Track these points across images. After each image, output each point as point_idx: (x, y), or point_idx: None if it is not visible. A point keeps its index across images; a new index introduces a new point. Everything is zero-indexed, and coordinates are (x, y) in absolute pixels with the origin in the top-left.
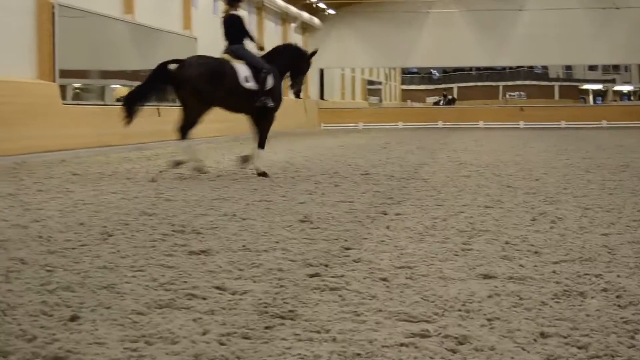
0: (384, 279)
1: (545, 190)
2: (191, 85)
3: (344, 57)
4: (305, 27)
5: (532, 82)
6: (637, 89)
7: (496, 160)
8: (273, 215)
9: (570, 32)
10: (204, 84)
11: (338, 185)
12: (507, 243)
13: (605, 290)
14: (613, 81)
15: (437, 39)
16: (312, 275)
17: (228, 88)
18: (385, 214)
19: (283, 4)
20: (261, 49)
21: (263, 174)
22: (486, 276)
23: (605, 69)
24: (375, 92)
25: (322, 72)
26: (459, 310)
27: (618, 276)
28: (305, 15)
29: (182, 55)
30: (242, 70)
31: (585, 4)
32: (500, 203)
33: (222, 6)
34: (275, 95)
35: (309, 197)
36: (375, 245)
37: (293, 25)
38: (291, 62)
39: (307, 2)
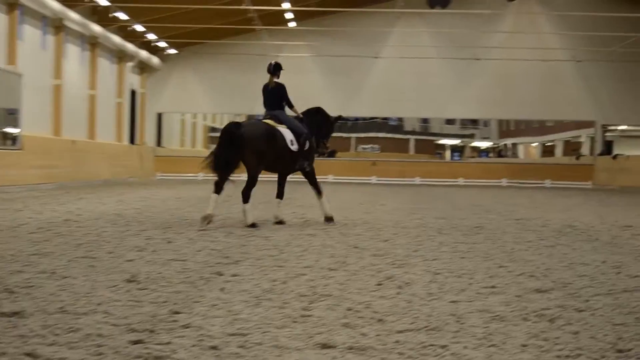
0: (214, 347)
1: (394, 253)
2: (252, 146)
3: (185, 100)
4: (143, 67)
5: (386, 134)
6: (496, 145)
7: (344, 219)
8: (97, 273)
9: (427, 83)
10: (263, 145)
11: (171, 241)
12: (349, 309)
13: None
14: (471, 136)
15: (287, 85)
16: (134, 342)
17: (279, 150)
18: (221, 275)
19: (119, 41)
20: (299, 116)
21: (331, 219)
22: (325, 346)
23: (464, 123)
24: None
25: (160, 116)
26: None
27: (465, 347)
28: (144, 54)
29: (4, 93)
30: (287, 134)
31: (444, 54)
32: (345, 265)
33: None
34: (312, 155)
35: (138, 255)
36: (207, 310)
37: (130, 64)
38: (320, 125)
39: (146, 40)
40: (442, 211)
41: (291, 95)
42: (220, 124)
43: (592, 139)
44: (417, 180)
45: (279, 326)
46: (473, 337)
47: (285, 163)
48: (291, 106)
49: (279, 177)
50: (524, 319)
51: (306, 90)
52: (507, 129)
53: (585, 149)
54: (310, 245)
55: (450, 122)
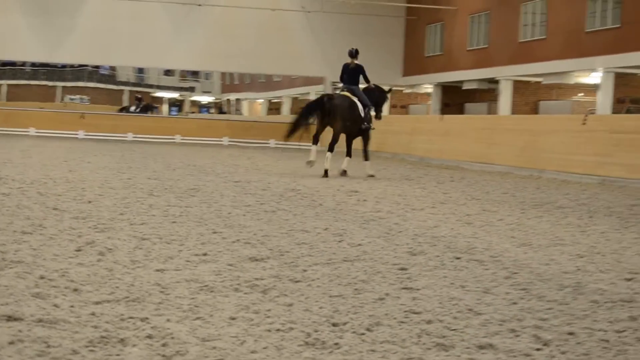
0: None
1: (98, 215)
2: (340, 114)
3: None
4: None
5: (97, 84)
6: (219, 100)
7: (45, 177)
8: None
9: (144, 29)
10: (348, 114)
11: None
12: (42, 278)
13: (150, 337)
14: (192, 89)
15: None
16: None
17: (356, 117)
18: None
19: None
20: (370, 89)
21: (372, 176)
22: (10, 318)
23: (183, 75)
24: None
25: None
26: None
27: (168, 320)
28: None
29: None
30: (358, 104)
31: None
32: (41, 229)
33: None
34: (370, 119)
35: None
36: None
37: None
38: (377, 97)
39: None
40: (155, 171)
41: None
42: None
43: None
44: (130, 136)
45: None
46: (178, 309)
47: (356, 126)
48: (368, 81)
49: (347, 138)
50: (235, 290)
51: (6, 32)
52: (231, 83)
53: None
54: (3, 206)
55: (168, 73)
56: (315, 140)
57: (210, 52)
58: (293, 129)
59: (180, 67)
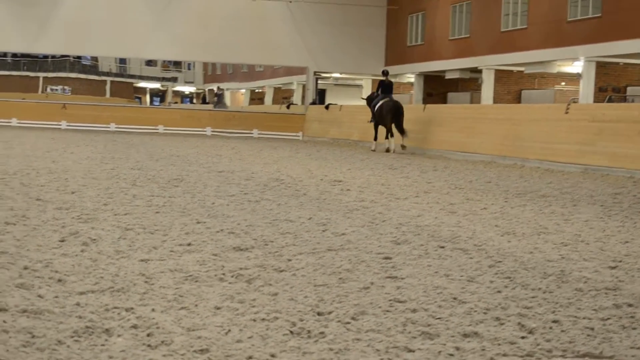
0: None
1: (82, 206)
2: (400, 113)
3: None
4: None
5: (78, 75)
6: (201, 91)
7: (27, 167)
8: None
9: (125, 20)
10: (403, 113)
11: None
12: (26, 268)
13: (135, 327)
14: (174, 80)
15: None
16: None
17: (401, 114)
18: None
19: None
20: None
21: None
22: None
23: (165, 65)
24: None
25: None
26: None
27: (153, 310)
28: None
29: None
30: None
31: None
32: (25, 219)
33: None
34: None
35: None
36: None
37: None
38: None
39: None
40: (138, 161)
41: None
42: None
43: (304, 87)
44: (113, 126)
45: None
46: (163, 299)
47: (401, 121)
48: (392, 92)
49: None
50: (220, 280)
51: None
52: (214, 73)
53: (296, 98)
54: None
55: (150, 63)
56: (392, 135)
57: (191, 42)
58: (388, 131)
59: (161, 58)
